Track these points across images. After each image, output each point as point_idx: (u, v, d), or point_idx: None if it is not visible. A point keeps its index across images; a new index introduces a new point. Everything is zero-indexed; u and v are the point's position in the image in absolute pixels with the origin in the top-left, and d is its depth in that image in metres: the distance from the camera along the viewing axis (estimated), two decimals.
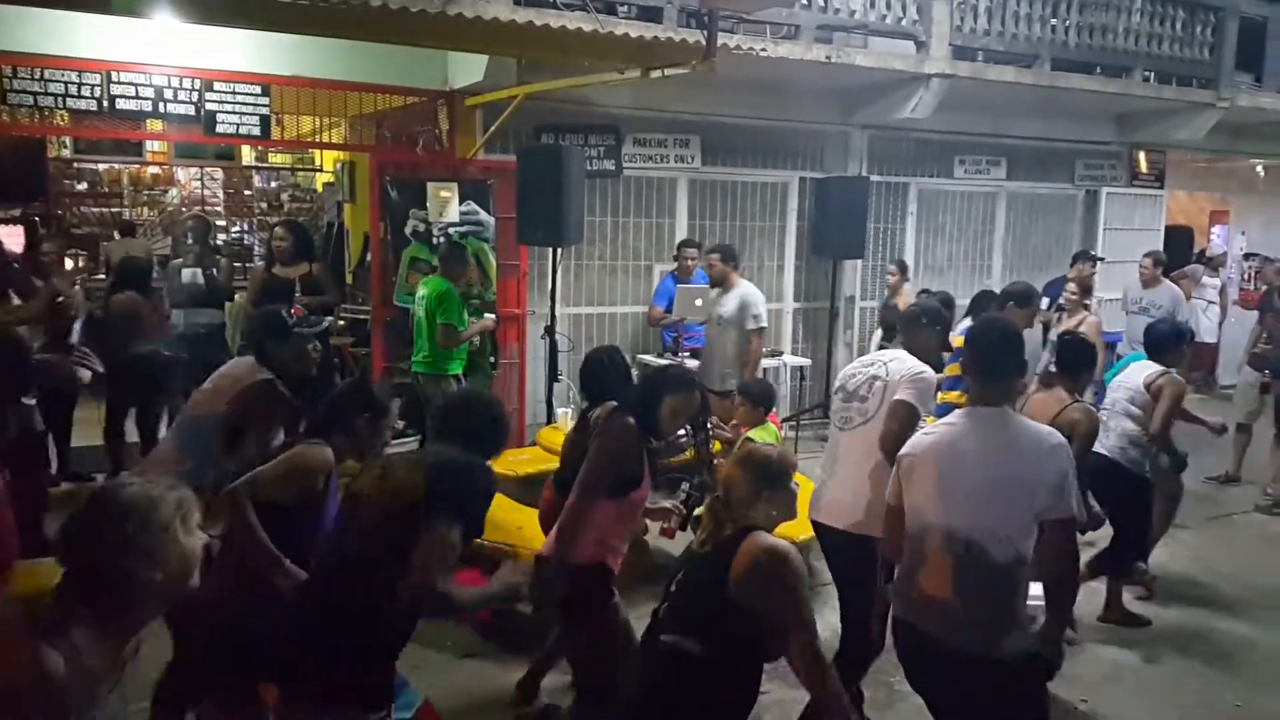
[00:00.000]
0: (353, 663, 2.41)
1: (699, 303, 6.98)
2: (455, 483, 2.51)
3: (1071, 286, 6.86)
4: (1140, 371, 5.00)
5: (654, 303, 7.45)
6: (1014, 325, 3.16)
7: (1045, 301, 8.29)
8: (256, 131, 6.69)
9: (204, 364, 4.60)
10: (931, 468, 2.83)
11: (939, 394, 4.93)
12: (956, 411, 2.96)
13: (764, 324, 6.51)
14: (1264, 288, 9.42)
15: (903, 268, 8.00)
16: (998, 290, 8.91)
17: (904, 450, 2.98)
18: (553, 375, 6.44)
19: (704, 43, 5.38)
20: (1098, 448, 4.56)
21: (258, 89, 6.60)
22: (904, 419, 3.39)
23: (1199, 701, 4.29)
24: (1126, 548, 4.89)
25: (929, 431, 2.99)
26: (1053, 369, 4.56)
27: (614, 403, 3.59)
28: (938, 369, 4.29)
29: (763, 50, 6.75)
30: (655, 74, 5.71)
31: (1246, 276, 11.86)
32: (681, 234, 7.93)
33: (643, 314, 7.76)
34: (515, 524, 4.64)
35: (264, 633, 2.55)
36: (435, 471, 2.51)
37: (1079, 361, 4.42)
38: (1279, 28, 13.08)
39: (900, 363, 3.67)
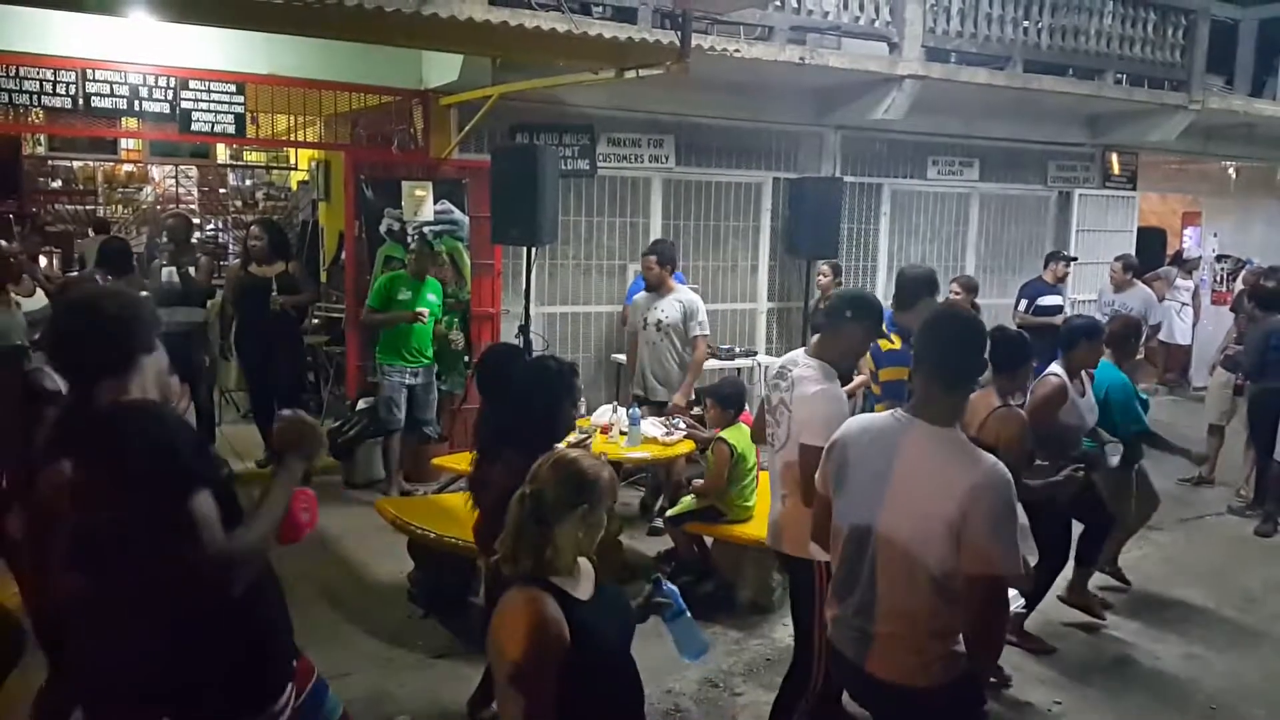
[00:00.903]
0: (198, 667, 2.09)
1: None
2: (145, 448, 2.00)
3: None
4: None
5: (627, 302, 7.48)
6: (978, 319, 2.81)
7: (1024, 304, 8.40)
8: (231, 130, 6.71)
9: (184, 363, 4.60)
10: (858, 477, 2.55)
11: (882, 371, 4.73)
12: (900, 414, 2.55)
13: (708, 330, 6.30)
14: (1241, 288, 9.57)
15: (836, 270, 7.83)
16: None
17: (833, 439, 2.67)
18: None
19: (678, 43, 5.43)
20: None
21: (233, 87, 6.61)
22: (813, 468, 2.89)
23: (1171, 705, 4.32)
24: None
25: (866, 428, 2.63)
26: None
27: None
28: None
29: (736, 51, 6.79)
30: (630, 74, 5.75)
31: (1219, 278, 12.00)
32: (656, 234, 7.96)
33: (617, 314, 7.79)
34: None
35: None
36: (111, 449, 2.00)
37: (1012, 358, 4.13)
38: (1250, 30, 13.29)
39: (801, 385, 3.30)
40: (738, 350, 8.01)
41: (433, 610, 4.81)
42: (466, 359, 6.90)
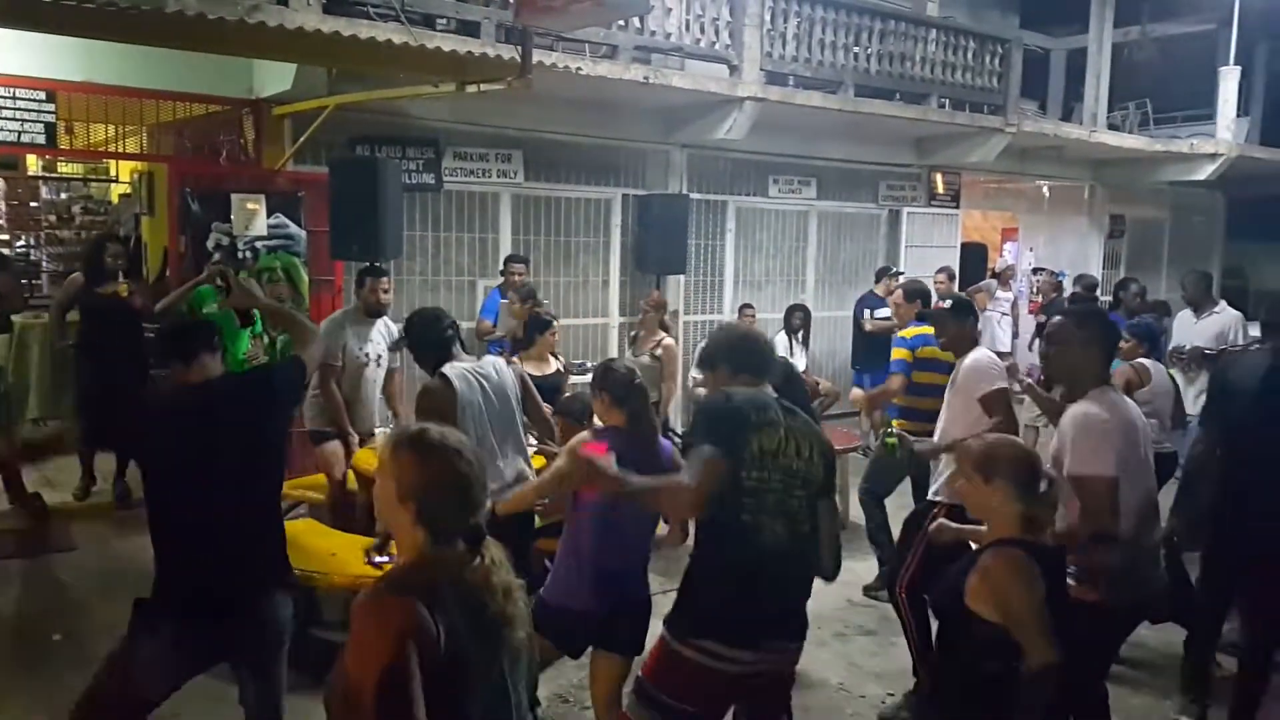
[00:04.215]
0: None
1: None
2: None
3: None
4: None
5: (481, 317, 7.40)
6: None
7: (867, 313, 8.75)
8: (41, 140, 6.30)
9: None
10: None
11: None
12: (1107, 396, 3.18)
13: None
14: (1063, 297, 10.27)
15: (528, 295, 6.60)
16: (811, 304, 9.40)
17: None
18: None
19: (520, 59, 5.40)
20: None
21: (41, 95, 6.21)
22: None
23: None
24: None
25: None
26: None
27: None
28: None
29: (580, 69, 6.82)
30: (471, 89, 5.68)
31: (1035, 289, 12.84)
32: (506, 249, 7.90)
33: (468, 329, 7.66)
34: (328, 550, 4.47)
35: None
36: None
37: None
38: (1060, 60, 14.37)
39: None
40: (589, 365, 8.02)
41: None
42: None
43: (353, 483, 5.40)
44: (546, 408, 4.58)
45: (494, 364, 4.08)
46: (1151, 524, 3.20)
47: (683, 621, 2.72)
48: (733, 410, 2.70)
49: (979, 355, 4.29)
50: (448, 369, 3.85)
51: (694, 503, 2.60)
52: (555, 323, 5.83)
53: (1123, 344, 5.35)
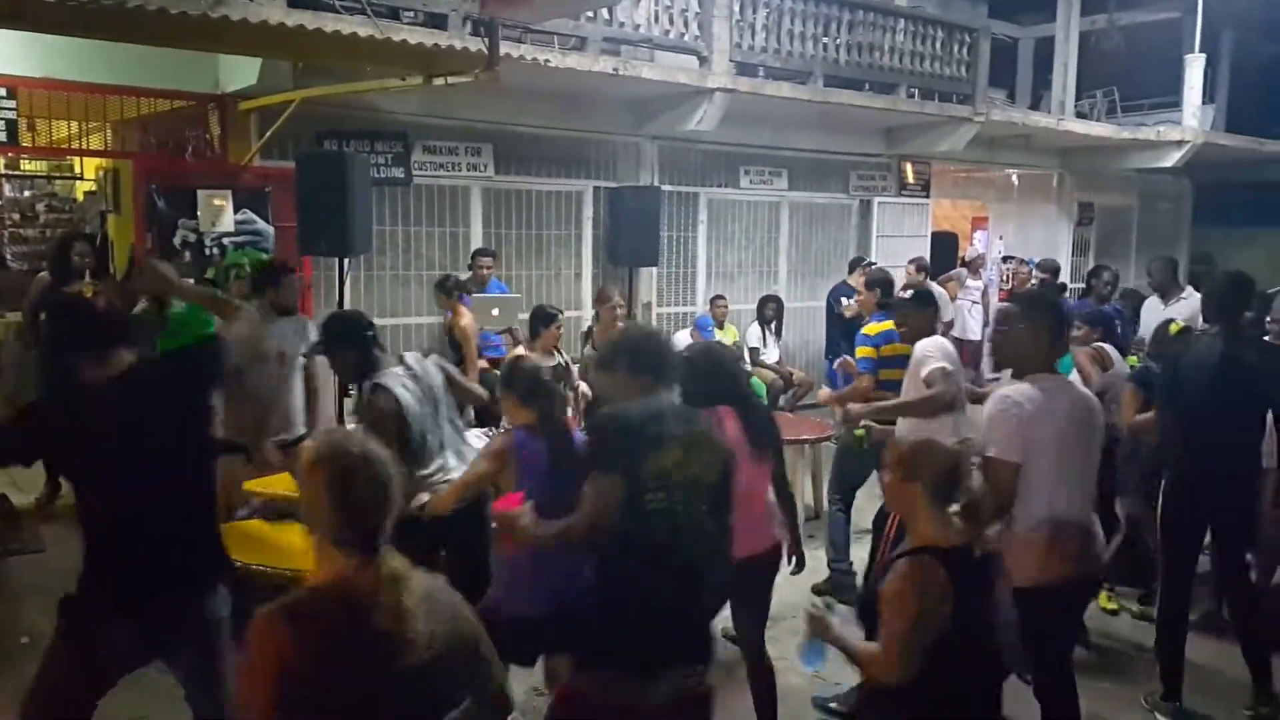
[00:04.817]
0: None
1: (495, 312, 6.97)
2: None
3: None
4: None
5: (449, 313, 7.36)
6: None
7: (844, 301, 8.79)
8: (2, 137, 6.22)
9: None
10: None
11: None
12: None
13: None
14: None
15: (451, 289, 6.90)
16: (783, 295, 9.43)
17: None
18: (342, 390, 6.23)
19: (487, 51, 5.38)
20: None
21: (2, 91, 6.12)
22: None
23: None
24: None
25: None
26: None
27: None
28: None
29: (549, 61, 6.80)
30: (439, 81, 5.65)
31: (1005, 277, 12.94)
32: (476, 243, 7.88)
33: (439, 324, 7.64)
34: (275, 544, 4.40)
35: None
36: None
37: None
38: (1028, 48, 14.49)
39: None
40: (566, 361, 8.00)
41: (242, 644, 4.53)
42: None
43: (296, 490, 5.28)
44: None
45: (415, 361, 3.91)
46: (1087, 502, 3.19)
47: (588, 651, 2.62)
48: (626, 430, 2.60)
49: (924, 342, 4.37)
50: (383, 379, 3.66)
51: (592, 529, 2.56)
52: (560, 316, 5.88)
53: (1076, 331, 5.43)
